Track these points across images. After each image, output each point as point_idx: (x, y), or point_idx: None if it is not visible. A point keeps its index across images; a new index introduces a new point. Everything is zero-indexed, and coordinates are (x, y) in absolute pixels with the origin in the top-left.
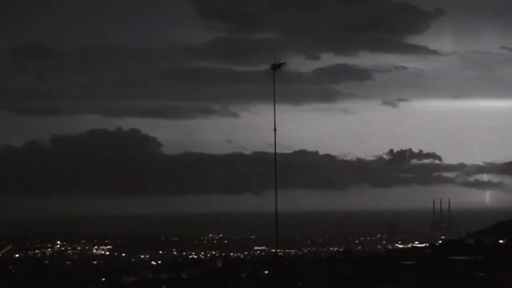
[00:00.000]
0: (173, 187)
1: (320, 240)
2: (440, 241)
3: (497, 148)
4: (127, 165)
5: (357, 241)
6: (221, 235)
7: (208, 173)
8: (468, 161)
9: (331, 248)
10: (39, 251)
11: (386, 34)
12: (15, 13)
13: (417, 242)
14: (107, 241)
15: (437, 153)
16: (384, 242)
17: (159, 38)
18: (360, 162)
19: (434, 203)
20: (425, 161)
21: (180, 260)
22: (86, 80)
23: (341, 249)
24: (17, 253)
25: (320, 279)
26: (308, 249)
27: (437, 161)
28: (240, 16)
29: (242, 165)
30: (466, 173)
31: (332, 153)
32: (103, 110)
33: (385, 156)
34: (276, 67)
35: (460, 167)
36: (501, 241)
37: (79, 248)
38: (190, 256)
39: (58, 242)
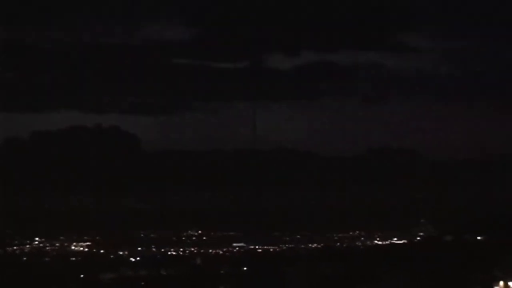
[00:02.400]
0: (152, 183)
1: (299, 236)
2: (418, 238)
3: (475, 145)
4: (106, 161)
5: (335, 238)
6: (200, 232)
7: (187, 169)
8: (447, 158)
9: (310, 245)
10: (18, 247)
11: (367, 31)
12: None
13: (395, 239)
14: (85, 238)
15: (416, 150)
16: (362, 238)
17: (138, 34)
18: (339, 159)
19: (413, 200)
20: (405, 158)
21: (159, 257)
22: (66, 76)
23: (320, 246)
24: None
25: (300, 276)
26: (287, 245)
27: (416, 159)
28: (220, 12)
29: (222, 162)
30: (444, 170)
31: (312, 150)
32: (82, 106)
33: (364, 154)
34: (256, 64)
35: (439, 164)
36: (479, 238)
37: (57, 244)
38: (169, 253)
39: (37, 239)
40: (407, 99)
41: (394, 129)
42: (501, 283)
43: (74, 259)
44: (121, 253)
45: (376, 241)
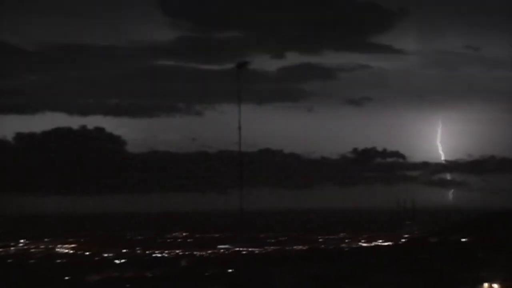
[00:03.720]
0: (137, 185)
1: (285, 238)
2: (403, 240)
3: (460, 147)
4: (91, 163)
5: (321, 240)
6: (185, 234)
7: (173, 171)
8: (432, 160)
9: (296, 247)
10: (3, 249)
11: (351, 33)
12: None
13: (381, 241)
14: (71, 240)
15: (401, 152)
16: (348, 240)
17: (123, 36)
18: (324, 161)
19: (397, 201)
20: (389, 159)
21: (145, 258)
22: (50, 78)
23: (306, 248)
24: None
25: (285, 278)
26: (273, 247)
27: (401, 160)
28: (204, 14)
29: (207, 163)
30: (429, 172)
31: (297, 151)
32: (67, 108)
33: (349, 155)
34: (240, 66)
35: (424, 166)
36: (463, 240)
37: (43, 246)
38: (154, 255)
39: (22, 241)
40: (392, 100)
41: (379, 131)
42: (486, 285)
43: (59, 260)
44: (106, 255)
45: (361, 243)
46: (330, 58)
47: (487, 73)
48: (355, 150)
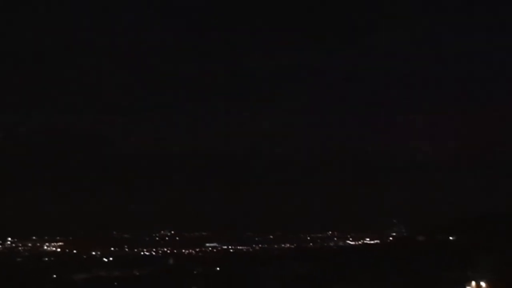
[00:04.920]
0: (126, 184)
1: (271, 236)
2: (390, 238)
3: (449, 146)
4: (79, 162)
5: (308, 238)
6: (172, 232)
7: (161, 170)
8: (420, 159)
9: (283, 245)
10: None
11: (339, 34)
12: None
13: (368, 239)
14: (58, 238)
15: (389, 151)
16: (335, 239)
17: (114, 35)
18: (311, 161)
19: (385, 200)
20: (377, 159)
21: (132, 257)
22: (39, 77)
23: (293, 246)
24: None
25: (274, 276)
26: (260, 246)
27: (388, 159)
28: (195, 14)
29: (196, 162)
30: (418, 171)
31: (286, 151)
32: (55, 107)
33: (337, 155)
34: (231, 67)
35: (412, 165)
36: (451, 238)
37: (30, 244)
38: (142, 253)
39: (9, 239)
40: (380, 101)
41: (367, 130)
42: (473, 283)
43: (46, 259)
44: (94, 253)
45: (348, 241)
46: (318, 59)
47: (479, 72)
48: (342, 150)
